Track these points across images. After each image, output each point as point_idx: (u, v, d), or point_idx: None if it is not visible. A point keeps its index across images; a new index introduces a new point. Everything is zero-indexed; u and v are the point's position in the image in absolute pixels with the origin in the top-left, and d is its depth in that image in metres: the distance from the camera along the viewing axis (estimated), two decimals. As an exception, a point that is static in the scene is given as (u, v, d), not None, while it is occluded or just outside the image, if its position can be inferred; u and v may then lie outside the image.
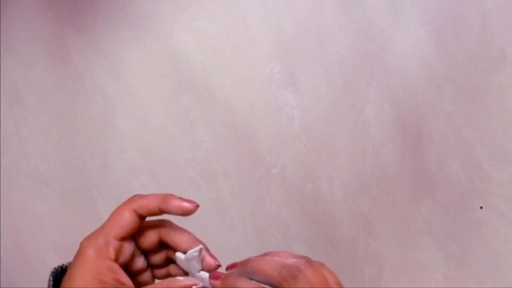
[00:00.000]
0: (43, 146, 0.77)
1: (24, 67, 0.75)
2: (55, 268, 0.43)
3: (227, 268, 0.43)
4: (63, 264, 0.44)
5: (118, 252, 0.42)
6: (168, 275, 0.45)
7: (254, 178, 0.74)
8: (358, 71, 0.71)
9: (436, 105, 0.71)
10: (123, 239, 0.42)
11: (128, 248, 0.43)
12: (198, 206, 0.44)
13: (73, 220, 0.77)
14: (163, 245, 0.45)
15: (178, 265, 0.44)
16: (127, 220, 0.42)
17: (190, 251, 0.43)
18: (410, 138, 0.72)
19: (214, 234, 0.77)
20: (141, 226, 0.44)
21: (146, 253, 0.45)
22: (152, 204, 0.43)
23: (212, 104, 0.73)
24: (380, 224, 0.74)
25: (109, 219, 0.43)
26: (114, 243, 0.42)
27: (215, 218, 0.77)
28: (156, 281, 0.45)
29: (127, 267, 0.43)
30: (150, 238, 0.44)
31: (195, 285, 0.42)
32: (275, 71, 0.72)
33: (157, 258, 0.45)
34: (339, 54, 0.71)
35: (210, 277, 0.43)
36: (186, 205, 0.44)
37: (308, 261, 0.39)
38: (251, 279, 0.41)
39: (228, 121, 0.74)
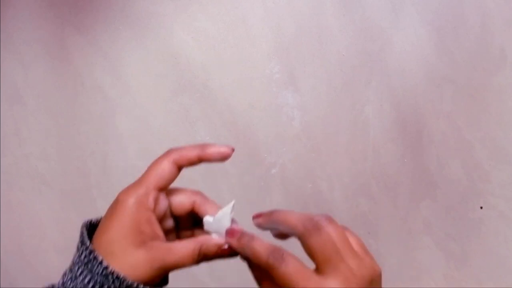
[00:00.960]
0: (43, 146, 0.77)
1: (24, 67, 0.75)
2: (86, 221, 0.43)
3: (253, 218, 0.44)
4: (91, 219, 0.44)
5: (157, 203, 0.43)
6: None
7: (254, 178, 0.74)
8: (358, 71, 0.71)
9: (436, 105, 0.71)
10: (161, 190, 0.43)
11: (164, 202, 0.44)
12: (233, 150, 0.44)
13: (73, 220, 0.77)
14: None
15: (204, 231, 0.44)
16: (167, 170, 0.43)
17: (223, 209, 0.44)
18: (410, 138, 0.72)
19: (214, 234, 0.77)
20: (176, 191, 0.45)
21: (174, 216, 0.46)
22: (191, 154, 0.44)
23: (212, 104, 0.73)
24: (380, 224, 0.74)
25: (148, 171, 0.43)
26: (154, 194, 0.43)
27: (215, 218, 0.77)
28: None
29: None
30: (184, 205, 0.45)
31: (228, 244, 0.42)
32: (275, 71, 0.72)
33: (184, 222, 0.46)
34: (339, 54, 0.71)
35: (226, 234, 0.43)
36: (224, 149, 0.44)
37: (331, 219, 0.40)
38: (275, 228, 0.42)
39: (228, 121, 0.74)
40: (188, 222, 0.47)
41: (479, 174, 0.72)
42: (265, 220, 0.43)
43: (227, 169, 0.74)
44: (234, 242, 0.42)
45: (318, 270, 0.38)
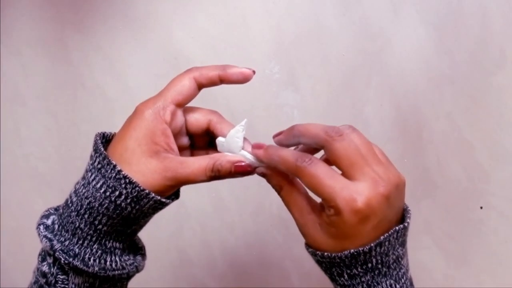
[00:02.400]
0: (43, 146, 0.77)
1: (24, 67, 0.75)
2: (99, 132, 0.44)
3: (274, 136, 0.44)
4: (105, 132, 0.44)
5: (173, 117, 0.43)
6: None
7: (254, 178, 0.74)
8: (358, 71, 0.71)
9: (436, 105, 0.71)
10: (179, 105, 0.43)
11: (181, 118, 0.44)
12: (255, 72, 0.45)
13: (73, 220, 0.77)
14: (207, 133, 0.46)
15: (218, 151, 0.44)
16: (187, 86, 0.43)
17: (235, 127, 0.44)
18: (410, 138, 0.72)
19: (214, 234, 0.77)
20: (193, 109, 0.45)
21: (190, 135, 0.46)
22: (212, 72, 0.44)
23: (212, 104, 0.73)
24: (380, 224, 0.74)
25: (168, 86, 0.44)
26: (171, 107, 0.43)
27: (215, 218, 0.77)
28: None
29: None
30: (200, 122, 0.45)
31: (241, 161, 0.42)
32: (275, 71, 0.72)
33: (199, 141, 0.46)
34: (339, 54, 0.71)
35: (253, 146, 0.43)
36: (246, 70, 0.44)
37: (354, 128, 0.40)
38: (298, 143, 0.42)
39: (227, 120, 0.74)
40: (203, 142, 0.47)
41: (479, 174, 0.72)
42: (286, 136, 0.43)
43: (227, 169, 0.74)
44: (261, 153, 0.42)
45: (345, 174, 0.38)
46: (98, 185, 0.41)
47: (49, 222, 0.43)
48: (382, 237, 0.38)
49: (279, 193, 0.42)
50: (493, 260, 0.73)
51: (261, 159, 0.42)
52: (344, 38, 0.71)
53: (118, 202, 0.40)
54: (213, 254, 0.77)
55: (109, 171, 0.40)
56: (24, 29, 0.74)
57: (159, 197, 0.41)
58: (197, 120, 0.45)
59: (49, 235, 0.42)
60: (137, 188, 0.40)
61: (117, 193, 0.40)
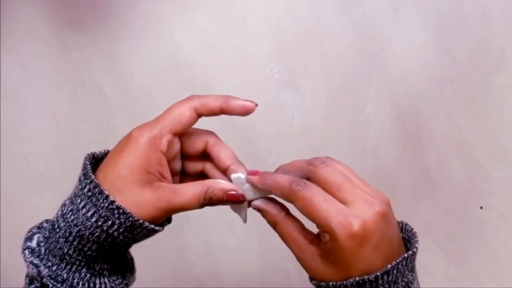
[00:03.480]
0: (43, 146, 0.77)
1: (24, 67, 0.75)
2: (89, 154, 0.43)
3: (260, 175, 0.43)
4: (95, 152, 0.43)
5: (170, 147, 0.42)
6: None
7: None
8: (358, 71, 0.71)
9: (436, 105, 0.71)
10: (176, 135, 0.42)
11: (176, 145, 0.43)
12: (257, 105, 0.44)
13: (73, 220, 0.77)
14: (203, 156, 0.45)
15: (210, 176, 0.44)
16: (186, 116, 0.42)
17: (236, 175, 0.43)
18: (410, 138, 0.72)
19: (214, 234, 0.77)
20: (189, 132, 0.44)
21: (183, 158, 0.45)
22: (214, 103, 0.43)
23: (212, 104, 0.73)
24: (380, 224, 0.74)
25: (166, 113, 0.43)
26: (169, 137, 0.42)
27: (215, 218, 0.77)
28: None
29: None
30: (196, 145, 0.44)
31: (233, 190, 0.42)
32: (275, 71, 0.72)
33: (192, 166, 0.45)
34: (339, 54, 0.71)
35: (248, 173, 0.42)
36: (248, 103, 0.43)
37: (331, 157, 0.40)
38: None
39: (228, 121, 0.74)
40: (196, 161, 0.45)
41: (479, 174, 0.72)
42: (271, 173, 0.42)
43: (227, 169, 0.74)
44: (255, 179, 0.42)
45: (336, 199, 0.38)
46: (89, 214, 0.40)
47: (33, 244, 0.42)
48: (389, 266, 0.37)
49: (274, 229, 0.42)
50: (493, 260, 0.73)
51: (255, 184, 0.42)
52: (344, 38, 0.71)
53: (111, 231, 0.40)
54: (213, 254, 0.77)
55: (101, 200, 0.39)
56: (24, 29, 0.74)
57: (152, 226, 0.41)
58: (193, 143, 0.44)
59: (35, 261, 0.41)
60: (131, 219, 0.39)
61: (109, 222, 0.39)
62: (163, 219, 0.42)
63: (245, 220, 0.44)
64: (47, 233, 0.42)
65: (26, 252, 0.42)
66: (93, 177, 0.40)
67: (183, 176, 0.46)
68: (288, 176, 0.40)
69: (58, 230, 0.41)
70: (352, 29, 0.70)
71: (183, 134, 0.44)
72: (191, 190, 0.41)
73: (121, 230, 0.40)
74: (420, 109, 0.71)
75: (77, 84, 0.75)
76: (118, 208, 0.39)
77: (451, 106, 0.71)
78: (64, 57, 0.74)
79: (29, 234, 0.44)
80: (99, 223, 0.39)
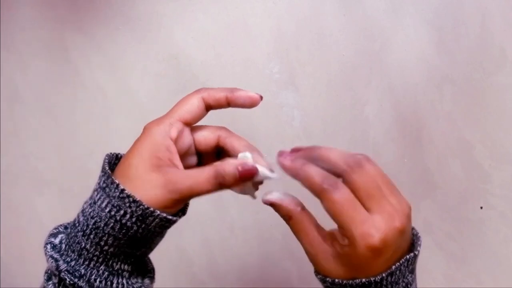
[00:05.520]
0: (43, 146, 0.77)
1: (24, 67, 0.75)
2: (110, 153, 0.44)
3: (292, 151, 0.42)
4: (118, 153, 0.44)
5: (180, 134, 0.43)
6: None
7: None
8: (358, 71, 0.71)
9: (436, 105, 0.71)
10: (187, 123, 0.44)
11: (188, 137, 0.44)
12: (262, 98, 0.44)
13: (73, 220, 0.77)
14: (217, 152, 0.46)
15: None
16: (195, 105, 0.43)
17: (244, 153, 0.43)
18: (410, 138, 0.72)
19: (214, 234, 0.77)
20: (200, 127, 0.45)
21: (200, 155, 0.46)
22: (220, 94, 0.44)
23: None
24: (380, 224, 0.74)
25: (176, 105, 0.44)
26: (178, 125, 0.43)
27: (215, 218, 0.77)
28: None
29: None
30: (209, 139, 0.45)
31: (244, 164, 0.41)
32: (275, 71, 0.72)
33: (208, 159, 0.46)
34: (339, 54, 0.71)
35: (279, 154, 0.42)
36: (254, 94, 0.44)
37: (370, 158, 0.40)
38: (315, 165, 0.41)
39: (227, 121, 0.74)
40: (211, 160, 0.46)
41: (479, 174, 0.72)
42: (305, 155, 0.42)
43: (227, 169, 0.74)
44: (287, 163, 0.41)
45: (362, 205, 0.38)
46: (103, 205, 0.40)
47: (56, 241, 0.43)
48: (393, 267, 0.38)
49: (287, 222, 0.42)
50: (493, 260, 0.73)
51: (285, 169, 0.41)
52: (344, 38, 0.71)
53: (124, 221, 0.40)
54: (213, 254, 0.77)
55: (112, 190, 0.40)
56: (24, 29, 0.74)
57: (164, 215, 0.40)
58: (205, 138, 0.45)
59: (55, 255, 0.41)
60: (141, 207, 0.39)
61: (122, 212, 0.40)
62: (176, 207, 0.42)
63: (255, 196, 0.44)
64: (69, 230, 0.43)
65: (48, 246, 0.42)
66: (107, 169, 0.41)
67: None
68: (321, 171, 0.39)
69: (77, 224, 0.42)
70: (352, 29, 0.70)
71: (196, 130, 0.45)
72: (201, 172, 0.41)
73: (133, 219, 0.40)
74: (420, 109, 0.71)
75: (77, 84, 0.75)
76: (129, 196, 0.39)
77: (451, 106, 0.71)
78: (64, 57, 0.74)
79: (55, 231, 0.44)
80: (112, 213, 0.40)
